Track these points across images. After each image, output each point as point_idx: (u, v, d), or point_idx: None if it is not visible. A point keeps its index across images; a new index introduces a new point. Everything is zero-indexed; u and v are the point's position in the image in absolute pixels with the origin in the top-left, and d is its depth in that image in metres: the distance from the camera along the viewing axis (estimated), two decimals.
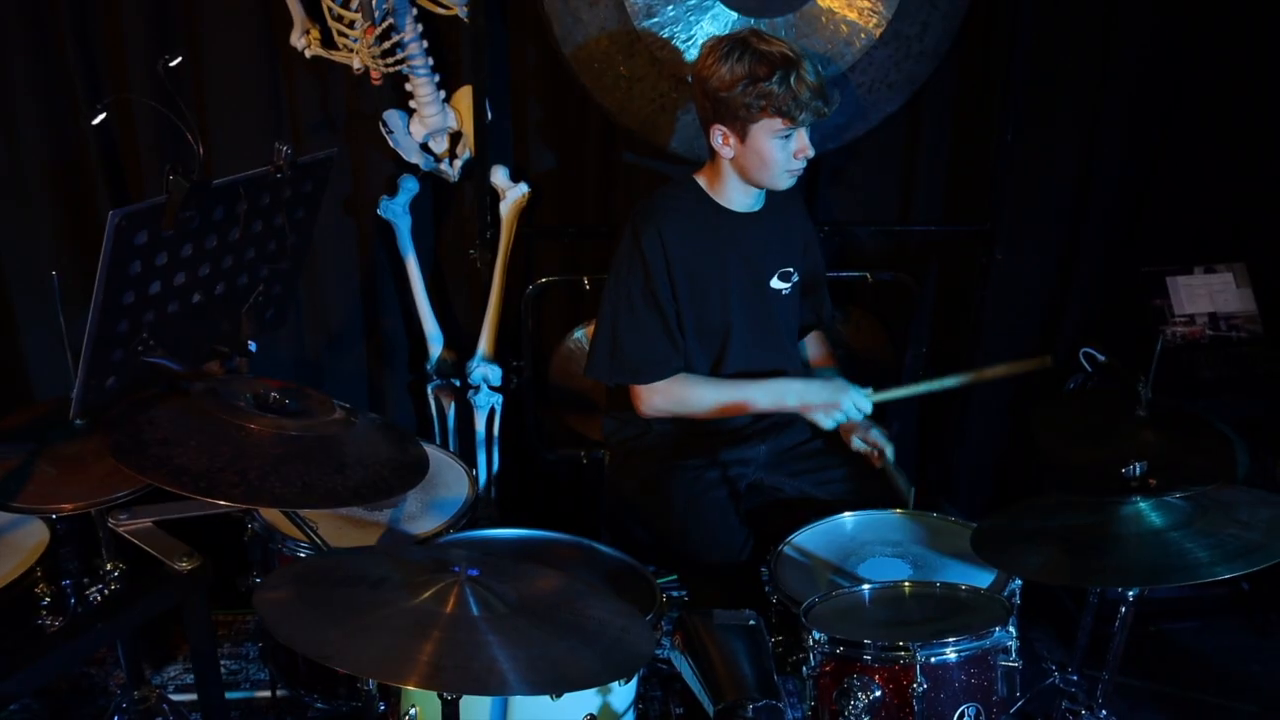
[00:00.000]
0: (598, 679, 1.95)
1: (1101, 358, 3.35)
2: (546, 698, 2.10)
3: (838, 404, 2.79)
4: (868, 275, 3.42)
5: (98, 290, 2.01)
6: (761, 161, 2.72)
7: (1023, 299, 3.59)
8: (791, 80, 2.61)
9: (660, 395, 2.84)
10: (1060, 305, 3.61)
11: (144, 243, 2.04)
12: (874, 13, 3.01)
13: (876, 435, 2.89)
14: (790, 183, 2.79)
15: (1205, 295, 3.48)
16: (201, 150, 2.11)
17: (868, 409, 2.82)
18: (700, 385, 2.85)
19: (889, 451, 2.86)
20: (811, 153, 2.73)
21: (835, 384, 2.83)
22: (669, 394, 2.84)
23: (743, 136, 2.70)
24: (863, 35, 3.02)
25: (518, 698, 2.13)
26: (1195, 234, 3.54)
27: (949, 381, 2.84)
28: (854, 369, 3.14)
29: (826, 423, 2.81)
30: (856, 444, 2.90)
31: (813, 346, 3.16)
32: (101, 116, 2.47)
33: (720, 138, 2.73)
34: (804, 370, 3.07)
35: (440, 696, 1.85)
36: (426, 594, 1.89)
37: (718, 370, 2.89)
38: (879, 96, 3.11)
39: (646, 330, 2.80)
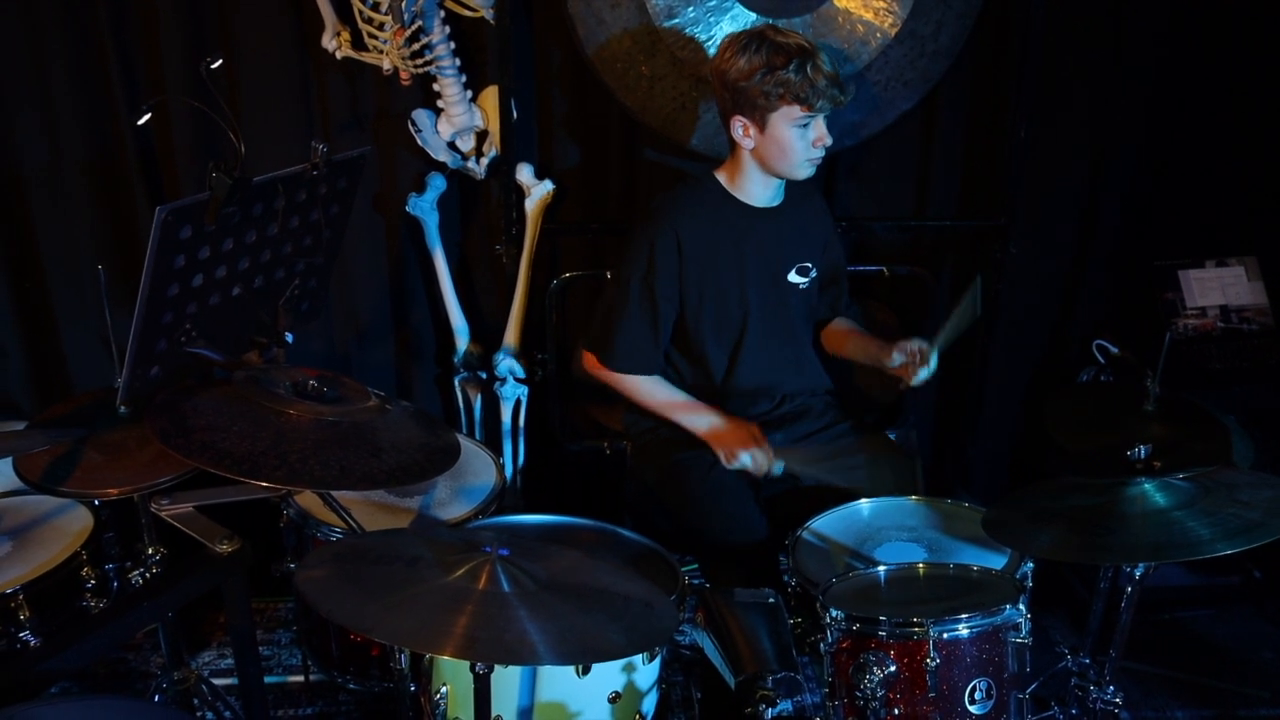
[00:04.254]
0: (623, 652, 2.01)
1: (1114, 350, 3.40)
2: (573, 676, 2.17)
3: (737, 452, 2.81)
4: (884, 269, 3.47)
5: (144, 283, 2.07)
6: (781, 150, 2.77)
7: (1037, 292, 3.62)
8: (808, 68, 2.67)
9: (607, 377, 2.96)
10: (1073, 299, 3.64)
11: (188, 237, 2.10)
12: (889, 12, 3.06)
13: (917, 344, 2.86)
14: (810, 171, 2.84)
15: (1217, 288, 3.50)
16: (242, 149, 2.17)
17: (761, 468, 2.81)
18: (649, 386, 2.95)
19: (932, 356, 2.83)
20: (829, 140, 2.78)
21: (747, 430, 2.85)
22: (617, 381, 2.96)
23: (762, 126, 2.75)
24: (878, 34, 3.08)
25: (545, 677, 2.19)
26: (1207, 228, 3.56)
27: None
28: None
29: (726, 461, 2.83)
30: (896, 359, 2.86)
31: (842, 323, 3.18)
32: (146, 117, 2.53)
33: (740, 129, 2.79)
34: (817, 363, 3.11)
35: (473, 670, 1.90)
36: (460, 571, 1.94)
37: (734, 361, 2.95)
38: (895, 94, 3.16)
39: (635, 324, 2.88)
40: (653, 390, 2.96)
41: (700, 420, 2.91)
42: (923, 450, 3.71)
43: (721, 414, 2.92)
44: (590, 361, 3.00)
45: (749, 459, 2.80)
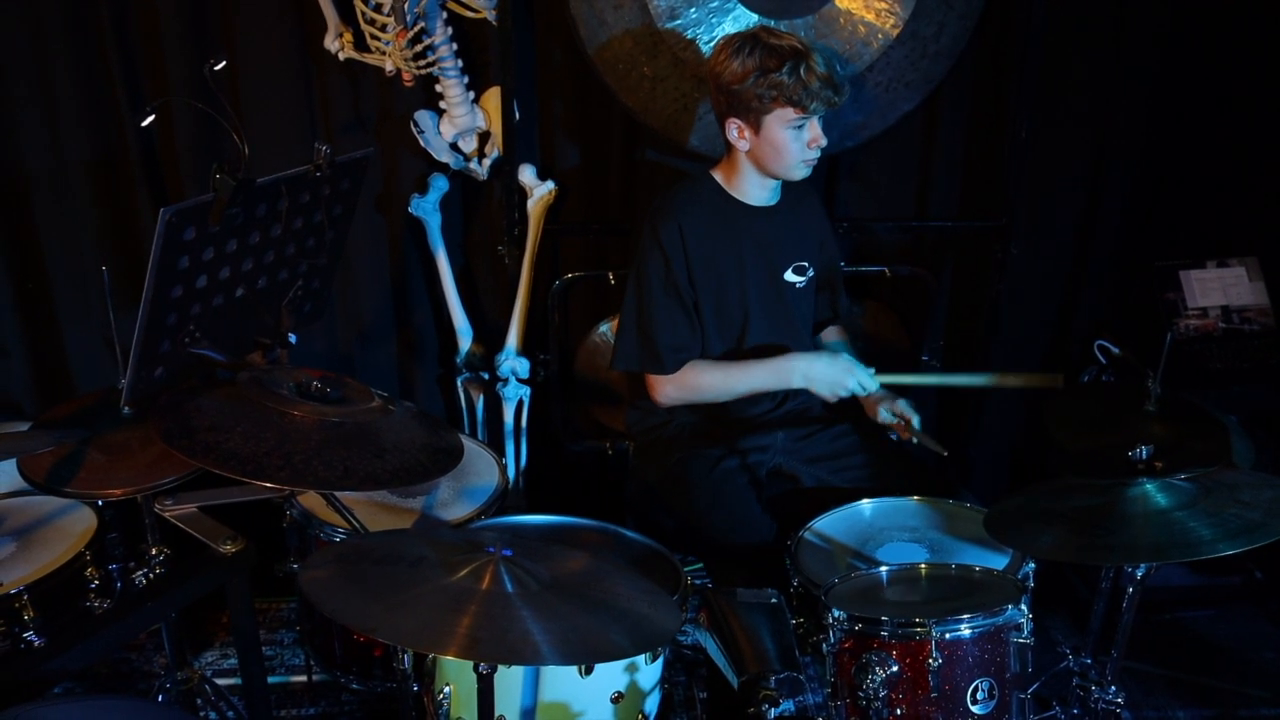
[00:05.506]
0: (626, 652, 2.02)
1: (1115, 350, 3.40)
2: (576, 677, 2.18)
3: (843, 381, 2.84)
4: (886, 270, 3.48)
5: (148, 284, 2.08)
6: (776, 152, 2.78)
7: (1038, 293, 3.62)
8: (801, 70, 2.68)
9: (673, 384, 2.91)
10: (1075, 299, 3.64)
11: (192, 238, 2.11)
12: (891, 13, 3.07)
13: (903, 406, 2.91)
14: (805, 172, 2.85)
15: (1218, 289, 3.50)
16: (246, 150, 2.18)
17: (873, 387, 2.86)
18: (709, 371, 2.91)
19: (915, 421, 2.90)
20: (824, 142, 2.78)
21: (840, 361, 2.87)
22: (682, 382, 2.90)
23: (757, 128, 2.76)
24: (880, 36, 3.08)
25: (548, 677, 2.19)
26: (1208, 228, 3.56)
27: (961, 379, 2.85)
28: (872, 361, 3.18)
29: (829, 397, 2.87)
30: (884, 416, 2.93)
31: (833, 341, 3.19)
32: (150, 119, 2.53)
33: (735, 131, 2.79)
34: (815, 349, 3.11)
35: (476, 671, 1.91)
36: (463, 572, 1.94)
37: (735, 358, 2.95)
38: (896, 95, 3.16)
39: (672, 319, 2.86)
40: (711, 379, 2.92)
41: (791, 375, 2.90)
42: (923, 450, 3.71)
43: (796, 357, 2.91)
44: (655, 386, 2.94)
45: (854, 384, 2.85)
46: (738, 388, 2.93)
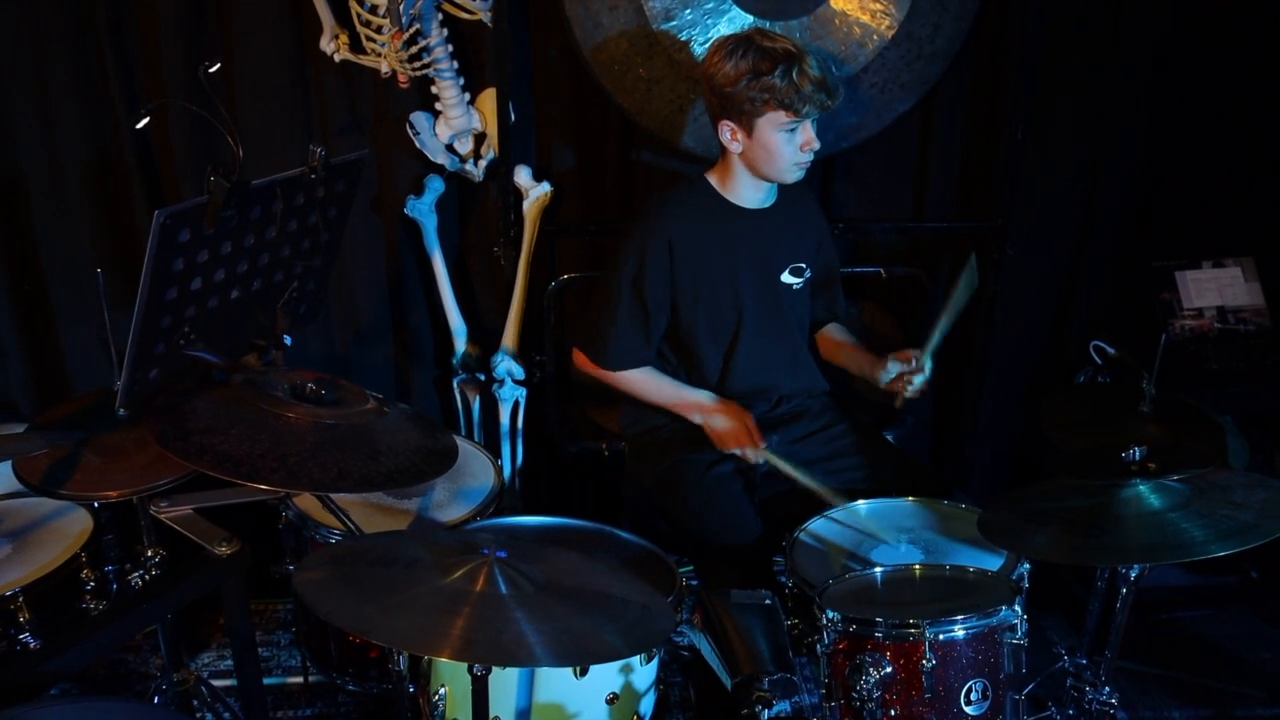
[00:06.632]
0: (621, 653, 2.02)
1: (1111, 350, 3.41)
2: (571, 678, 2.18)
3: (731, 442, 2.88)
4: (882, 271, 3.47)
5: (143, 286, 2.08)
6: (769, 155, 2.78)
7: (1034, 294, 3.63)
8: (794, 74, 2.67)
9: (606, 375, 3.00)
10: (1070, 300, 3.64)
11: (186, 240, 2.11)
12: (886, 14, 3.07)
13: (910, 352, 2.91)
14: (799, 175, 2.85)
15: (1214, 289, 3.50)
16: (240, 152, 2.18)
17: (755, 460, 2.87)
18: (641, 378, 2.99)
19: (927, 368, 2.88)
20: (818, 145, 2.78)
21: (740, 421, 2.90)
22: (611, 377, 2.99)
23: (749, 131, 2.76)
24: (875, 37, 3.08)
25: (543, 678, 2.20)
26: (1204, 229, 3.56)
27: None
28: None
29: (720, 447, 2.90)
30: (891, 369, 2.91)
31: (836, 333, 3.21)
32: (145, 121, 2.53)
33: (729, 133, 2.80)
34: (813, 364, 3.11)
35: (470, 672, 1.91)
36: (457, 574, 1.95)
37: (729, 363, 2.96)
38: (892, 96, 3.16)
39: (624, 321, 2.90)
40: (644, 382, 2.99)
41: (695, 408, 2.96)
42: (920, 451, 3.72)
43: (716, 402, 2.96)
44: (581, 359, 3.03)
45: (739, 451, 2.87)
46: (651, 395, 3.00)
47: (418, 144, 3.28)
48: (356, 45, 3.10)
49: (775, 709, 2.14)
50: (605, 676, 2.23)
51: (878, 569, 2.43)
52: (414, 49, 3.05)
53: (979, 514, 2.47)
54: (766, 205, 2.94)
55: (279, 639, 3.37)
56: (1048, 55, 3.27)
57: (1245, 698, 3.13)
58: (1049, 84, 3.33)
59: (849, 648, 2.25)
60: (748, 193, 2.90)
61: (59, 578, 2.46)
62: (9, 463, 2.32)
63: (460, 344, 3.49)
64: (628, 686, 2.26)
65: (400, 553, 2.05)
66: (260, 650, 3.23)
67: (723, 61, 2.73)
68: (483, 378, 3.51)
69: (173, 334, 2.21)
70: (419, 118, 3.26)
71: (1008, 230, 3.34)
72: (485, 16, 3.09)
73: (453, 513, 2.74)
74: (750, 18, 3.03)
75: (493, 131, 3.24)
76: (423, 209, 3.36)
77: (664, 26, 3.03)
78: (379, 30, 3.03)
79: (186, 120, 3.18)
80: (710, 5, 3.01)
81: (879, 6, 3.06)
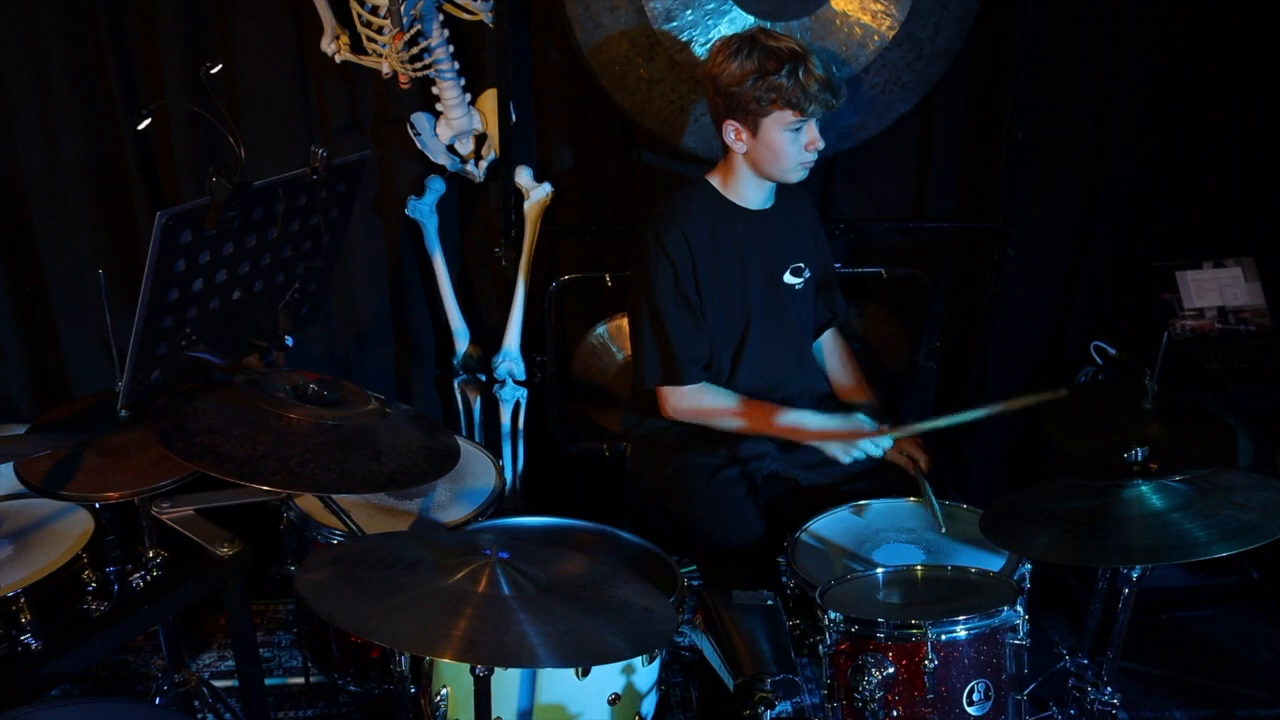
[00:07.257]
0: (622, 655, 2.01)
1: (1112, 351, 3.41)
2: (573, 679, 2.18)
3: (856, 443, 2.79)
4: (883, 271, 3.47)
5: (145, 287, 2.08)
6: (774, 154, 2.78)
7: (1034, 294, 3.63)
8: (800, 73, 2.67)
9: (689, 401, 2.89)
10: (1071, 300, 3.64)
11: (188, 242, 2.11)
12: (887, 15, 3.07)
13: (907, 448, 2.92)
14: (803, 175, 2.85)
15: (1214, 289, 3.51)
16: (242, 153, 2.18)
17: (887, 444, 2.81)
18: (727, 399, 2.89)
19: (922, 462, 2.88)
20: (822, 144, 2.78)
21: (855, 421, 2.85)
22: (698, 402, 2.89)
23: (755, 130, 2.76)
24: (876, 37, 3.08)
25: (545, 679, 2.20)
26: (1204, 229, 3.57)
27: (972, 415, 2.80)
28: (870, 363, 3.19)
29: (843, 458, 2.80)
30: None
31: (835, 359, 3.19)
32: (147, 122, 2.53)
33: (733, 133, 2.79)
34: (816, 365, 3.13)
35: (473, 673, 1.91)
36: (459, 575, 1.95)
37: (736, 363, 2.95)
38: (892, 97, 3.16)
39: (686, 330, 2.85)
40: (729, 406, 2.90)
41: (807, 424, 2.87)
42: None
43: (813, 413, 2.90)
44: (665, 399, 2.92)
45: (868, 444, 2.79)
46: (749, 422, 2.89)
47: (419, 145, 3.28)
48: (357, 46, 3.10)
49: (777, 709, 2.14)
50: (607, 677, 2.23)
51: (879, 570, 2.43)
52: (415, 50, 3.05)
53: (980, 514, 2.47)
54: (767, 206, 2.94)
55: (280, 640, 3.37)
56: (1048, 56, 3.26)
57: (1247, 698, 3.13)
58: (1049, 84, 3.33)
59: (851, 648, 2.25)
60: (750, 193, 2.90)
61: (60, 579, 2.47)
62: (10, 464, 2.31)
63: (461, 344, 3.49)
64: (630, 687, 2.26)
65: (402, 554, 2.05)
66: (262, 651, 3.26)
67: (728, 61, 2.73)
68: (484, 378, 3.51)
69: (174, 335, 2.21)
70: (420, 118, 3.26)
71: (1008, 230, 3.34)
72: (486, 17, 3.09)
73: (454, 513, 2.74)
74: (751, 18, 3.03)
75: (493, 132, 3.24)
76: (424, 210, 3.36)
77: (665, 27, 3.03)
78: (380, 31, 3.03)
79: (187, 121, 3.18)
80: (711, 6, 3.01)
81: (880, 7, 3.06)
